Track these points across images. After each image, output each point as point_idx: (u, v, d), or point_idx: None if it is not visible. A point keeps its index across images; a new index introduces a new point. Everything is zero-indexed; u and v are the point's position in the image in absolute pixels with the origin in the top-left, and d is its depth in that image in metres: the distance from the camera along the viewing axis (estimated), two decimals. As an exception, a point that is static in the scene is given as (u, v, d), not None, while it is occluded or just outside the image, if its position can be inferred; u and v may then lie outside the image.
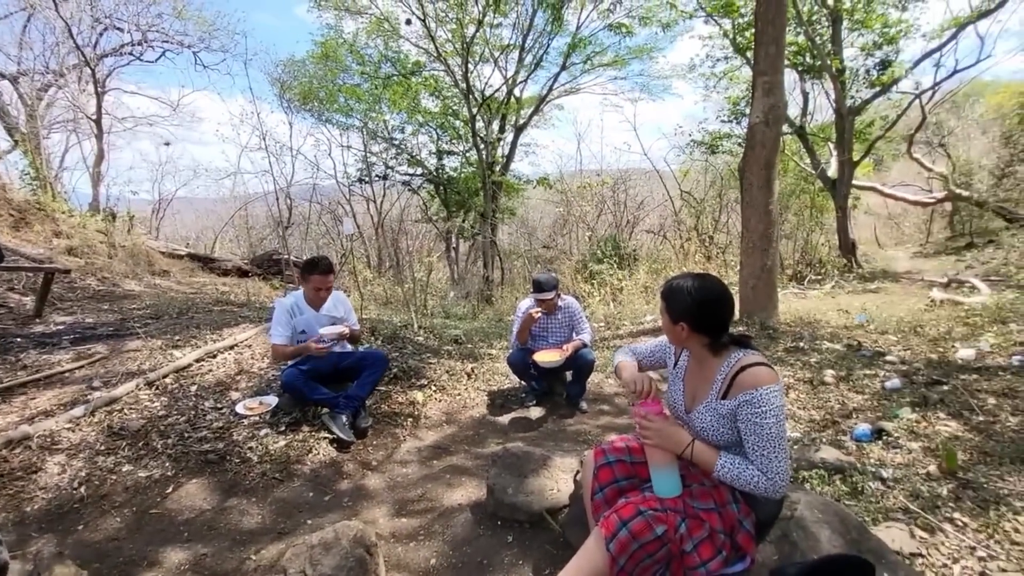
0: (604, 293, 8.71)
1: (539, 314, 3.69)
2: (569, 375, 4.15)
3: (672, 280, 1.74)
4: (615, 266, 9.19)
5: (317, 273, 3.13)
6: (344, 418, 3.12)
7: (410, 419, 3.60)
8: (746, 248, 5.76)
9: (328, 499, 2.65)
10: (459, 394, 4.12)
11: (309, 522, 2.44)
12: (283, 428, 3.11)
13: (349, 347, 3.61)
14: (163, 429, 2.96)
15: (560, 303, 3.85)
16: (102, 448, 2.74)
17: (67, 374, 3.64)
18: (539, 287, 3.68)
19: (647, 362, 2.01)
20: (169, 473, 2.63)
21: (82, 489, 2.46)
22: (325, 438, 3.08)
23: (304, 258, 10.75)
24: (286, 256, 7.30)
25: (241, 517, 2.42)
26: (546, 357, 3.60)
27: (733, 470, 1.62)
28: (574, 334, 3.95)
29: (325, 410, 3.27)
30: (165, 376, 3.51)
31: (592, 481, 1.84)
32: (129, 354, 3.99)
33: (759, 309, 5.65)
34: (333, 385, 3.50)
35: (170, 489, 2.54)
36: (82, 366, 3.75)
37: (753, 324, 5.43)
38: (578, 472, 2.48)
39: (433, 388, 4.05)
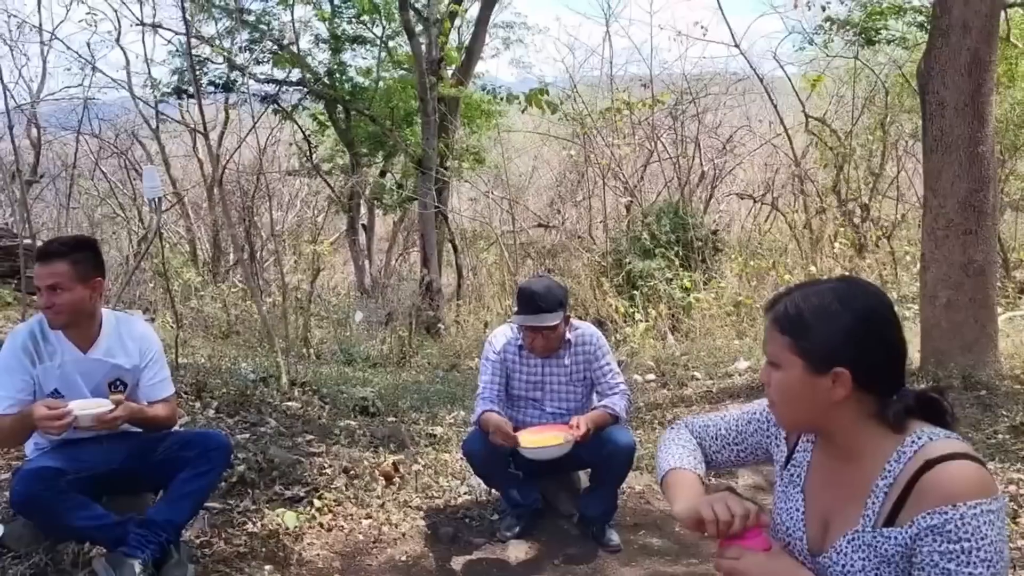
0: (656, 315, 8.80)
1: (520, 449, 3.66)
2: (585, 476, 4.15)
3: (798, 291, 1.73)
4: (677, 263, 9.29)
5: (38, 259, 3.15)
6: (137, 566, 3.04)
7: (269, 567, 3.54)
8: (932, 230, 5.88)
9: None
10: (368, 516, 4.09)
11: None
12: (11, 587, 3.02)
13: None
14: None
15: (569, 335, 3.87)
16: None
17: None
18: (530, 304, 3.69)
19: (725, 456, 2.01)
20: None
21: None
22: (97, 607, 2.99)
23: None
24: (27, 240, 7.15)
25: None
26: (540, 441, 3.61)
27: None
28: (594, 395, 3.95)
29: (99, 550, 3.18)
30: None
31: None
32: None
33: (959, 348, 5.76)
34: (118, 498, 3.41)
35: None
36: None
37: (947, 376, 5.53)
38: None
39: (317, 504, 4.01)
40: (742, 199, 13.77)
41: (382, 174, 16.37)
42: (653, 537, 4.07)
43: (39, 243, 8.28)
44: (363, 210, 17.10)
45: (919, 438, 1.64)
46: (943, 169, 5.74)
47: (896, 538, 1.61)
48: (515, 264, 12.48)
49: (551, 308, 3.68)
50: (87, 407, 3.03)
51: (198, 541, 3.56)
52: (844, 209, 10.43)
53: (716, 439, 2.01)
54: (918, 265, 6.84)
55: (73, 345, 3.22)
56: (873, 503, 1.66)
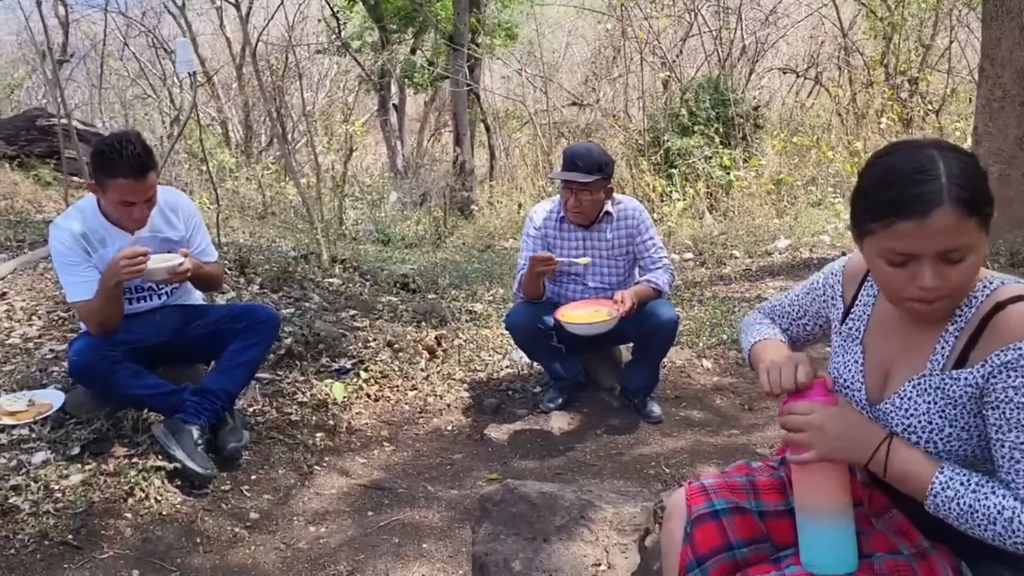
0: (694, 194, 8.68)
1: (553, 264, 3.64)
2: (627, 350, 4.18)
3: (937, 167, 1.60)
4: (717, 141, 9.09)
5: (122, 175, 3.04)
6: (195, 432, 3.15)
7: (321, 434, 3.64)
8: (988, 101, 5.68)
9: (170, 583, 2.72)
10: (413, 387, 4.17)
11: (135, 625, 2.51)
12: (78, 451, 3.14)
13: (199, 297, 3.61)
14: None
15: (611, 208, 3.82)
16: None
17: None
18: (568, 161, 3.67)
19: (805, 329, 2.01)
20: None
21: None
22: (160, 469, 3.11)
23: (100, 130, 10.56)
24: (63, 120, 7.14)
25: (5, 616, 2.49)
26: (582, 316, 3.61)
27: (968, 497, 1.61)
28: (636, 270, 3.94)
29: (157, 417, 3.29)
30: None
31: (684, 549, 1.86)
32: None
33: (1007, 224, 5.66)
34: (173, 369, 3.50)
35: None
36: None
37: (994, 253, 5.45)
38: (649, 533, 2.52)
39: (363, 376, 4.09)
40: (784, 74, 13.36)
41: (412, 51, 15.99)
42: (694, 410, 4.12)
43: (76, 124, 8.29)
44: (394, 89, 16.82)
45: (990, 283, 1.61)
46: (1002, 37, 5.50)
47: (966, 379, 1.60)
48: (549, 144, 12.28)
49: (587, 168, 3.63)
50: (159, 261, 3.07)
51: (251, 410, 3.67)
52: (892, 83, 10.05)
53: (783, 316, 2.01)
54: (968, 140, 6.62)
55: (118, 229, 3.23)
56: (943, 347, 1.64)
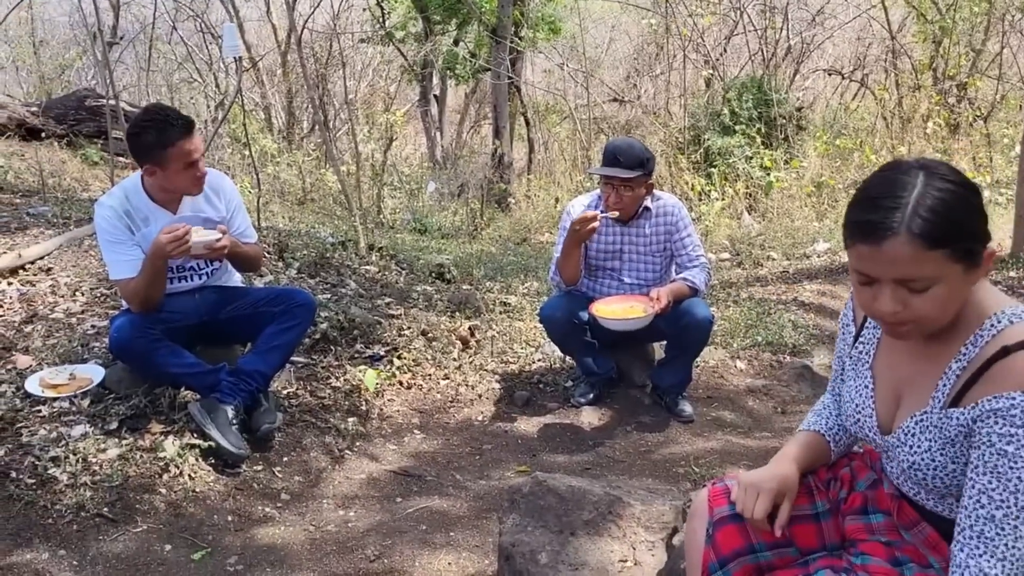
0: (733, 194, 8.60)
1: (602, 217, 3.62)
2: (660, 348, 4.15)
3: (905, 197, 1.56)
4: (758, 141, 8.99)
5: (178, 137, 3.06)
6: (230, 411, 3.19)
7: (353, 419, 3.67)
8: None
9: (199, 559, 2.75)
10: (445, 377, 4.18)
11: (166, 598, 2.55)
12: (116, 425, 3.19)
13: (238, 279, 3.64)
14: None
15: (650, 204, 3.80)
16: None
17: None
18: (609, 157, 3.63)
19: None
20: (-94, 499, 2.75)
21: None
22: (194, 447, 3.16)
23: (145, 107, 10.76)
24: (111, 101, 7.24)
25: (41, 584, 2.54)
26: (616, 311, 3.60)
27: None
28: (673, 268, 3.91)
29: (194, 396, 3.33)
30: None
31: (706, 550, 1.85)
32: None
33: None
34: (210, 349, 3.55)
35: (-91, 528, 2.66)
36: None
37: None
38: (677, 531, 2.51)
39: (396, 363, 4.11)
40: (830, 75, 13.17)
41: (455, 43, 15.99)
42: (726, 410, 4.09)
43: (124, 105, 8.41)
44: (435, 80, 16.84)
45: (998, 321, 1.56)
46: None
47: (958, 418, 1.57)
48: (588, 139, 12.23)
49: (629, 164, 3.60)
50: (197, 236, 3.10)
51: (285, 392, 3.70)
52: (940, 87, 9.87)
53: (834, 390, 1.97)
54: (1017, 148, 6.48)
55: (161, 208, 3.27)
56: (943, 385, 1.61)
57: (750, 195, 8.80)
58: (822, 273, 6.27)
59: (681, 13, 11.20)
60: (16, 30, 15.00)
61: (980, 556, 1.49)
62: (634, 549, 2.46)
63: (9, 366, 3.48)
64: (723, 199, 8.54)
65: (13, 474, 2.86)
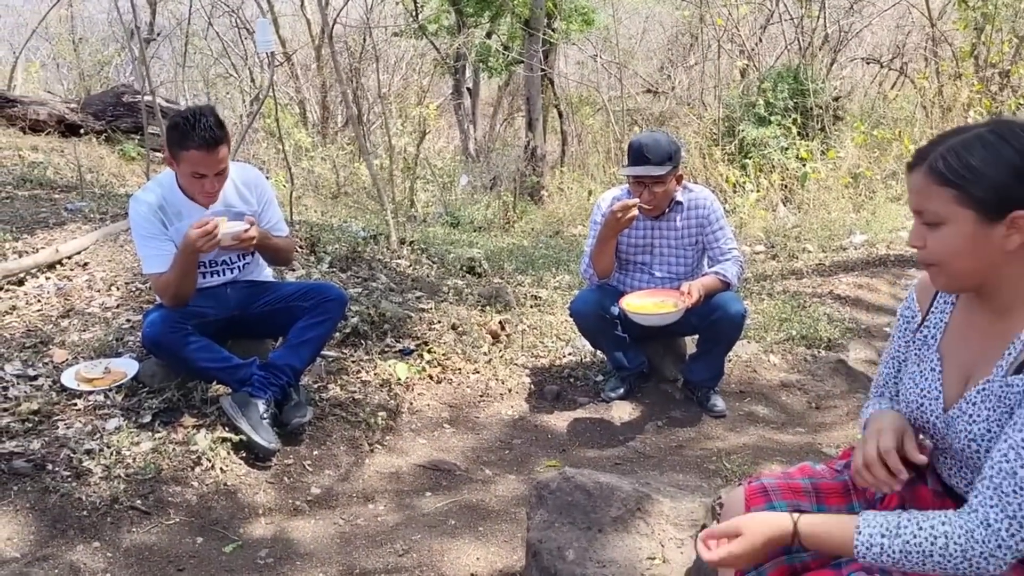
0: (768, 185, 8.48)
1: (634, 210, 3.58)
2: (691, 342, 4.11)
3: (950, 139, 1.59)
4: (794, 132, 8.86)
5: (194, 147, 3.10)
6: (261, 406, 3.21)
7: (383, 414, 3.68)
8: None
9: (230, 551, 2.78)
10: (475, 371, 4.18)
11: (197, 590, 2.58)
12: (149, 419, 3.23)
13: (269, 273, 3.67)
14: (-67, 411, 3.12)
15: (681, 196, 3.75)
16: None
17: None
18: (636, 154, 3.58)
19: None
20: (-53, 490, 2.80)
21: None
22: (226, 440, 3.18)
23: (180, 107, 10.84)
24: (147, 97, 7.33)
25: (74, 575, 2.58)
26: (647, 306, 3.57)
27: (895, 544, 1.58)
28: (705, 261, 3.87)
29: (226, 389, 3.36)
30: (-67, 315, 3.66)
31: (740, 547, 1.83)
32: None
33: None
34: (242, 343, 3.57)
35: (-51, 518, 2.71)
36: None
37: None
38: (705, 528, 2.48)
39: (427, 357, 4.11)
40: (868, 63, 12.94)
41: (488, 36, 15.97)
42: (759, 405, 4.04)
43: (160, 101, 8.51)
44: (468, 73, 16.84)
45: None
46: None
47: (1019, 384, 1.54)
48: (621, 131, 12.15)
49: (658, 160, 3.55)
50: (226, 228, 3.13)
51: (316, 386, 3.72)
52: (981, 76, 9.63)
53: (887, 384, 1.92)
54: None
55: (194, 203, 3.29)
56: (1009, 353, 1.59)
57: (785, 187, 8.67)
58: (859, 266, 6.17)
59: (716, 3, 11.08)
60: (56, 27, 15.25)
61: (990, 507, 1.49)
62: (663, 546, 2.44)
63: (46, 359, 3.54)
64: (758, 191, 8.42)
65: (49, 466, 2.91)
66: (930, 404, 1.73)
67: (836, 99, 9.83)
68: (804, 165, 8.55)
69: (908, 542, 1.53)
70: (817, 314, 5.02)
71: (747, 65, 11.00)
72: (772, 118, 9.14)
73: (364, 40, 13.58)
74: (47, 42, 15.87)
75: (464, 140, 16.09)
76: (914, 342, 1.82)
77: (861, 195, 8.33)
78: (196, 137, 3.05)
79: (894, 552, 1.55)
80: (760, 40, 12.12)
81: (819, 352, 4.58)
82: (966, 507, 1.53)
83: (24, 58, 12.83)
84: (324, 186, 10.90)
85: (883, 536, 1.55)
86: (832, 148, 8.86)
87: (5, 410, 3.16)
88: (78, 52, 14.48)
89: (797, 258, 6.60)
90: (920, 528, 1.53)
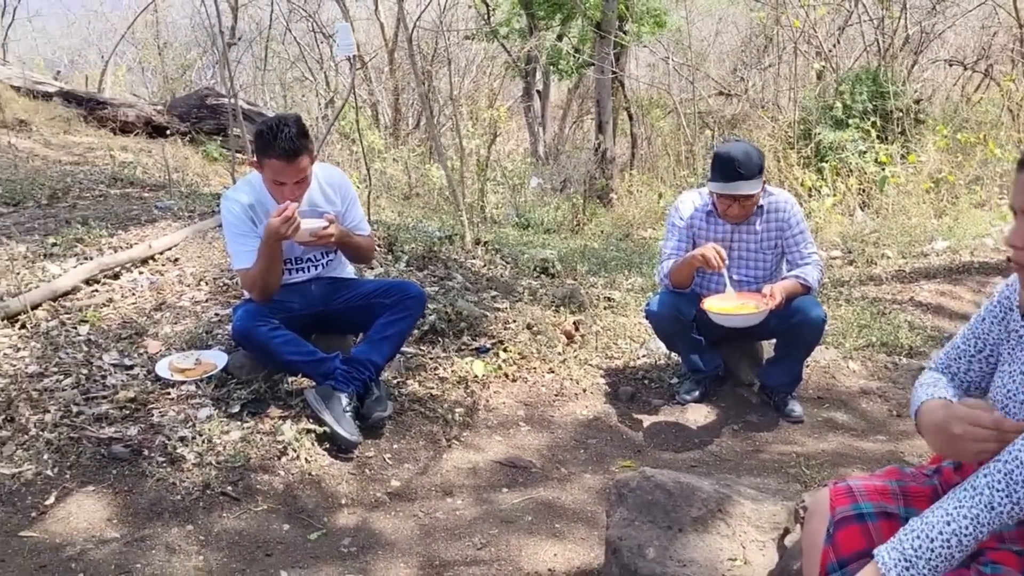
0: (845, 189, 8.32)
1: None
2: (768, 346, 4.07)
3: None
4: (873, 135, 8.68)
5: (275, 156, 3.20)
6: (344, 399, 3.29)
7: (460, 410, 3.74)
8: None
9: (315, 539, 2.86)
10: (550, 370, 4.20)
11: (284, 575, 2.65)
12: (237, 409, 3.35)
13: (351, 271, 3.76)
14: (36, 398, 3.28)
15: (762, 200, 3.73)
16: (-59, 422, 3.10)
17: None
18: (727, 170, 3.53)
19: (976, 370, 1.87)
20: (50, 472, 2.94)
21: (-87, 487, 2.81)
22: (310, 432, 3.28)
23: (263, 110, 11.08)
24: (230, 100, 7.55)
25: (170, 557, 2.68)
26: (728, 307, 3.54)
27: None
28: (784, 264, 3.83)
29: (309, 382, 3.46)
30: (35, 306, 3.84)
31: (826, 549, 1.82)
32: (-26, 265, 4.40)
33: None
34: (325, 338, 3.68)
35: (51, 499, 2.84)
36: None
37: None
38: (788, 532, 2.47)
39: (502, 356, 4.16)
40: (951, 66, 12.55)
41: (559, 38, 16.00)
42: (838, 412, 3.98)
43: (241, 104, 8.75)
44: (538, 76, 16.89)
45: None
46: None
47: None
48: (693, 134, 12.04)
49: (750, 175, 3.50)
50: (306, 225, 3.23)
51: (395, 382, 3.80)
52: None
53: (959, 359, 1.88)
54: None
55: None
56: None
57: (863, 191, 8.48)
58: (941, 273, 6.01)
59: (792, 4, 10.91)
60: (143, 32, 15.80)
61: (996, 491, 1.49)
62: (744, 548, 2.43)
63: (141, 350, 3.69)
64: (834, 195, 8.26)
65: (146, 452, 3.04)
66: (1015, 407, 1.70)
67: (917, 102, 9.58)
68: (883, 169, 8.36)
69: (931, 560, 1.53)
70: (898, 321, 4.92)
71: (824, 67, 10.79)
72: (850, 121, 8.95)
73: (436, 43, 13.76)
74: (133, 47, 16.45)
75: (534, 142, 16.15)
76: (1008, 339, 1.78)
77: (943, 200, 8.10)
78: (277, 147, 3.15)
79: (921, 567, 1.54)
80: (838, 42, 11.87)
81: (900, 359, 4.49)
82: (971, 487, 1.52)
83: (112, 62, 13.31)
84: (396, 187, 11.07)
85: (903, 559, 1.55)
86: (913, 152, 8.64)
87: (104, 398, 3.31)
88: (163, 56, 14.97)
89: (876, 264, 6.46)
90: (930, 539, 1.52)
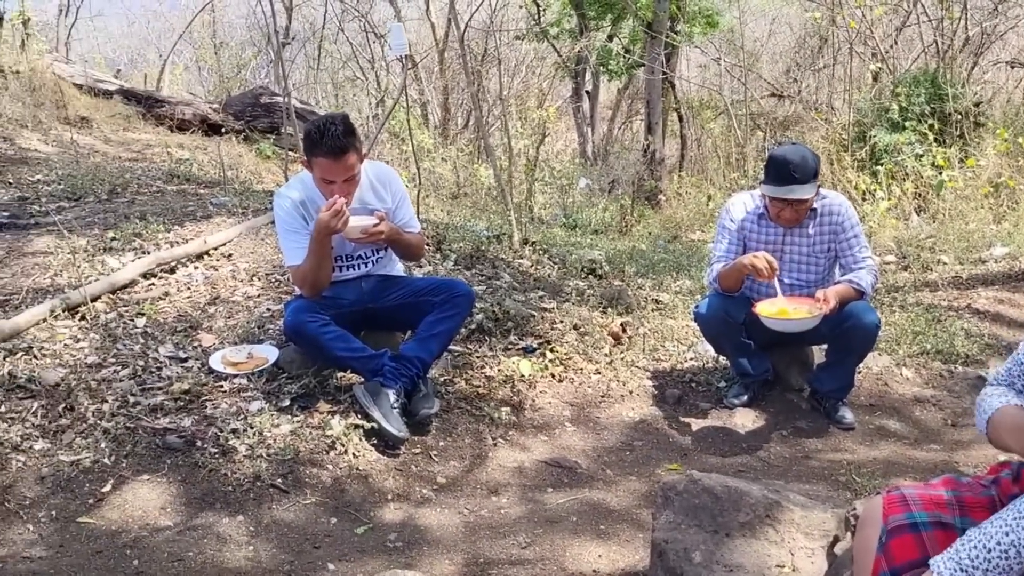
0: (901, 193, 8.16)
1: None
2: (819, 351, 4.02)
3: None
4: (930, 138, 8.50)
5: (322, 154, 3.25)
6: (391, 395, 3.32)
7: (506, 409, 3.75)
8: None
9: (362, 533, 2.90)
10: (597, 371, 4.20)
11: (331, 567, 2.69)
12: (287, 403, 3.41)
13: (400, 269, 3.80)
14: (95, 387, 3.37)
15: (815, 204, 3.67)
16: (1, 410, 3.19)
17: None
18: (782, 174, 3.48)
19: None
20: (107, 460, 3.02)
21: (-24, 472, 2.90)
22: (358, 427, 3.32)
23: (315, 109, 11.24)
24: (283, 99, 7.67)
25: (221, 546, 2.73)
26: (781, 311, 3.50)
27: None
28: (837, 269, 3.78)
29: (358, 378, 3.51)
30: (95, 299, 3.95)
31: (878, 559, 1.80)
32: (35, 258, 4.53)
33: None
34: (374, 335, 3.72)
35: (108, 487, 2.92)
36: (-33, 273, 4.34)
37: None
38: (839, 540, 2.43)
39: (549, 356, 4.16)
40: (1012, 67, 12.23)
41: (609, 39, 15.94)
42: (890, 419, 3.91)
43: (294, 103, 8.88)
44: (587, 76, 16.84)
45: None
46: None
47: None
48: (744, 136, 11.92)
49: (805, 179, 3.44)
50: (355, 221, 3.28)
51: (442, 379, 3.82)
52: None
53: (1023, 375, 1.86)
54: None
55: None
56: None
57: (919, 195, 8.31)
58: (999, 279, 5.86)
59: (848, 4, 10.73)
60: (200, 32, 16.12)
61: None
62: (792, 555, 2.40)
63: (195, 343, 3.77)
64: (889, 199, 8.11)
65: (199, 443, 3.11)
66: None
67: (977, 104, 9.35)
68: (940, 173, 8.18)
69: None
70: (954, 328, 4.81)
71: (880, 68, 10.60)
72: (907, 123, 8.78)
73: (486, 43, 13.80)
74: (190, 46, 16.79)
75: (582, 143, 16.11)
76: None
77: (1003, 205, 7.90)
78: (324, 145, 3.21)
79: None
80: (895, 43, 11.63)
81: (956, 368, 4.40)
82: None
83: (170, 61, 13.62)
84: (444, 186, 11.13)
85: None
86: (972, 156, 8.44)
87: (159, 389, 3.40)
88: (218, 56, 15.25)
89: (931, 270, 6.32)
90: (987, 550, 1.49)
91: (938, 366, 4.39)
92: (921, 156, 8.42)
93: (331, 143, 3.20)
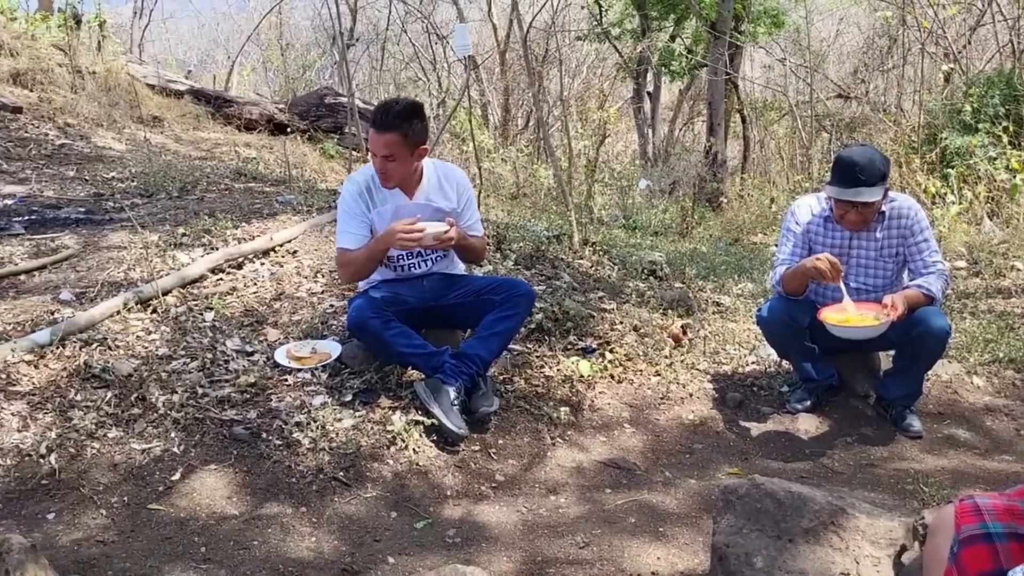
0: (973, 197, 7.93)
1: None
2: (886, 357, 3.93)
3: None
4: (1005, 141, 8.24)
5: (371, 124, 3.39)
6: (452, 393, 3.35)
7: (565, 409, 3.75)
8: None
9: (422, 528, 2.93)
10: (656, 373, 4.17)
11: (391, 561, 2.72)
12: (350, 398, 3.46)
13: (461, 267, 3.83)
14: (165, 379, 3.47)
15: (884, 207, 3.60)
16: (77, 398, 3.31)
17: (22, 277, 4.40)
18: (848, 175, 3.40)
19: None
20: (176, 449, 3.11)
21: (52, 458, 3.01)
22: (419, 423, 3.36)
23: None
24: (347, 99, 7.79)
25: (284, 536, 2.79)
26: (848, 318, 3.43)
27: None
28: (906, 273, 3.70)
29: (419, 375, 3.54)
30: (166, 292, 4.07)
31: (949, 569, 1.76)
32: (110, 252, 4.69)
33: None
34: (435, 332, 3.76)
35: (177, 475, 3.01)
36: (44, 266, 4.50)
37: None
38: (906, 550, 2.38)
39: (608, 357, 4.15)
40: (1092, 69, 11.81)
41: (672, 39, 15.81)
42: (959, 429, 3.81)
43: (358, 103, 9.02)
44: (649, 77, 16.74)
45: None
46: None
47: None
48: (809, 137, 11.71)
49: (872, 181, 3.36)
50: (432, 228, 3.34)
51: (502, 378, 3.84)
52: None
53: None
54: None
55: (400, 192, 3.51)
56: None
57: (992, 199, 8.06)
58: (1077, 288, 5.67)
59: (920, 3, 10.47)
60: (267, 34, 16.45)
61: None
62: (857, 563, 2.35)
63: (261, 338, 3.85)
64: (960, 203, 7.89)
65: (264, 435, 3.18)
66: None
67: (1054, 108, 9.05)
68: (1015, 176, 7.93)
69: None
70: (1028, 336, 4.66)
71: (952, 69, 10.32)
72: (980, 126, 8.52)
73: (547, 44, 13.81)
74: (258, 47, 17.15)
75: (643, 144, 16.03)
76: None
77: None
78: (375, 116, 3.37)
79: None
80: (969, 43, 11.31)
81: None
82: None
83: (238, 62, 13.93)
84: (504, 187, 11.17)
85: None
86: (1048, 160, 8.17)
87: (227, 381, 3.48)
88: (285, 57, 15.55)
89: (1004, 276, 6.14)
90: None
91: (1010, 375, 4.25)
92: (995, 159, 8.17)
93: (380, 117, 3.34)
